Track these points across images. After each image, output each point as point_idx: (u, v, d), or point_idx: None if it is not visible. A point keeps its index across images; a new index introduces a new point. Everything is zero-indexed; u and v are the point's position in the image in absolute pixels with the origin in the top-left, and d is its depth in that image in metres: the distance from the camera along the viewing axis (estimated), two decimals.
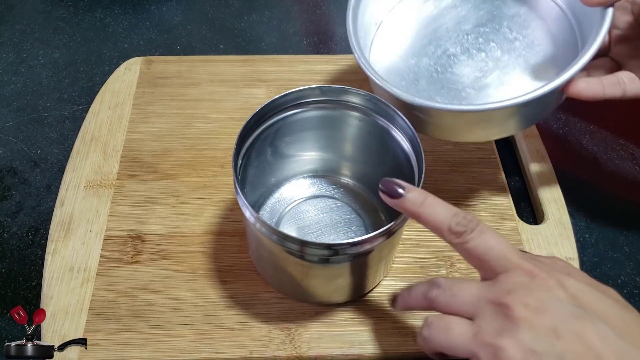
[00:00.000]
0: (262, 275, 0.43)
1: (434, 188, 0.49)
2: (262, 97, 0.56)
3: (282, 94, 0.40)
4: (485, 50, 0.45)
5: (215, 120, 0.54)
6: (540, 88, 0.36)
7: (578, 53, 0.38)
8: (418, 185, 0.36)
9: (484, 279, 0.32)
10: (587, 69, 0.42)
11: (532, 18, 0.45)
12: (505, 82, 0.43)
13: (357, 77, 0.57)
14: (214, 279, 0.44)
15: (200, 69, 0.58)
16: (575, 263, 0.45)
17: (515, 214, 0.48)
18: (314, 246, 0.34)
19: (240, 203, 0.36)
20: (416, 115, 0.40)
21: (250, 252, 0.44)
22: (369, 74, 0.41)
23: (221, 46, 0.64)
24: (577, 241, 0.46)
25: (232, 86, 0.57)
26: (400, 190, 0.33)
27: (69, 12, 0.67)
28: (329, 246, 0.34)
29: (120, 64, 0.58)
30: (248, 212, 0.35)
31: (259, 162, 0.43)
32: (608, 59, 0.41)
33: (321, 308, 0.42)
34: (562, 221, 0.47)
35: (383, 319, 0.42)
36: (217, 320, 0.41)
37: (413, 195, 0.32)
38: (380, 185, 0.33)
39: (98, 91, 0.56)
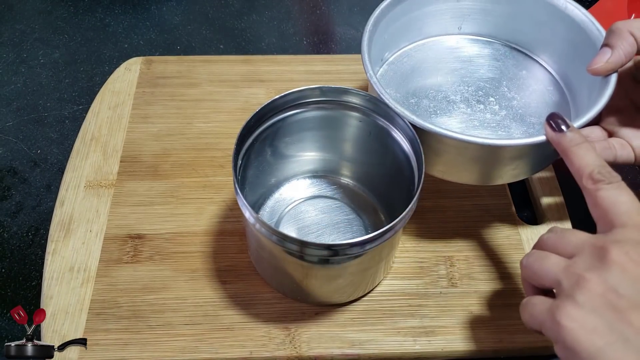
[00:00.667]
0: (262, 276, 0.43)
1: (434, 188, 0.49)
2: (262, 97, 0.56)
3: (282, 94, 0.40)
4: (484, 102, 0.46)
5: (215, 120, 0.54)
6: (536, 137, 0.37)
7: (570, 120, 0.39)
8: (418, 187, 0.36)
9: (600, 232, 0.32)
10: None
11: (529, 83, 0.48)
12: (501, 134, 0.44)
13: (357, 77, 0.57)
14: (214, 279, 0.44)
15: (200, 69, 0.58)
16: None
17: (515, 214, 0.48)
18: (314, 247, 0.34)
19: (240, 203, 0.36)
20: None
21: (250, 253, 0.44)
22: (387, 101, 0.40)
23: (221, 46, 0.64)
24: None
25: (232, 86, 0.57)
26: (563, 127, 0.35)
27: (69, 12, 0.67)
28: (328, 247, 0.34)
29: (120, 64, 0.58)
30: (248, 213, 0.35)
31: (259, 163, 0.43)
32: (599, 128, 0.42)
33: (321, 308, 0.42)
34: (562, 221, 0.47)
35: (383, 319, 0.42)
36: (217, 320, 0.41)
37: (572, 135, 0.34)
38: (547, 118, 0.36)
39: (98, 91, 0.56)
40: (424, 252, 0.45)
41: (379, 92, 0.40)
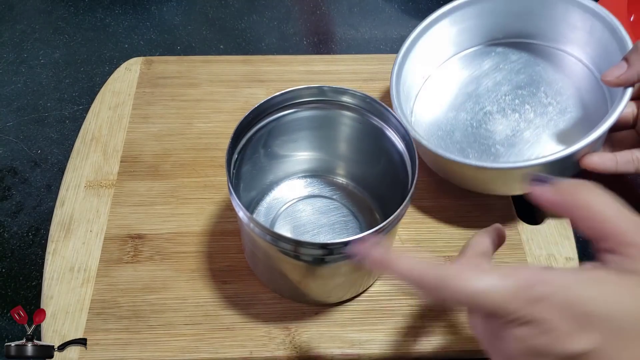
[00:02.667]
0: (258, 278, 0.43)
1: (435, 187, 0.49)
2: (262, 97, 0.55)
3: (275, 95, 0.40)
4: (519, 111, 0.48)
5: (215, 120, 0.54)
6: (548, 156, 0.39)
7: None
8: (412, 184, 0.36)
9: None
10: (612, 140, 0.44)
11: (568, 86, 0.48)
12: (534, 143, 0.46)
13: (357, 77, 0.57)
14: (214, 279, 0.44)
15: (201, 69, 0.58)
16: (575, 263, 0.45)
17: (516, 214, 0.48)
18: (309, 246, 0.34)
19: (234, 204, 0.36)
20: (444, 166, 0.45)
21: (245, 254, 0.44)
22: (404, 125, 0.42)
23: (221, 46, 0.64)
24: (577, 241, 0.46)
25: (232, 86, 0.57)
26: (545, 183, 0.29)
27: (69, 12, 0.67)
28: (323, 246, 0.34)
29: (121, 64, 0.58)
30: (242, 212, 0.35)
31: (254, 162, 0.43)
32: (633, 132, 0.43)
33: (321, 308, 0.42)
34: (562, 221, 0.47)
35: (383, 319, 0.42)
36: (217, 320, 0.41)
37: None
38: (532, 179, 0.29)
39: (98, 91, 0.56)
40: (424, 252, 0.45)
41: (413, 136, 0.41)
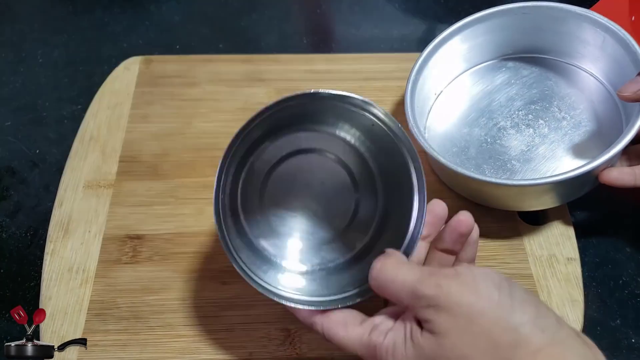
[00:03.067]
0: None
1: (434, 188, 0.49)
2: (262, 96, 0.55)
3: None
4: (533, 126, 0.48)
5: (215, 120, 0.54)
6: (564, 174, 0.39)
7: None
8: (421, 190, 0.36)
9: None
10: (628, 153, 0.44)
11: (581, 100, 0.48)
12: (549, 158, 0.46)
13: (358, 77, 0.57)
14: (214, 279, 0.43)
15: (200, 69, 0.58)
16: (577, 263, 0.45)
17: (517, 214, 0.48)
18: None
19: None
20: (461, 181, 0.45)
21: None
22: (421, 143, 0.44)
23: (221, 45, 0.63)
24: (579, 241, 0.46)
25: (232, 86, 0.56)
26: None
27: (68, 12, 0.67)
28: None
29: (119, 63, 0.58)
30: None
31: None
32: None
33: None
34: (563, 221, 0.47)
35: None
36: (216, 321, 0.41)
37: None
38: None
39: (97, 91, 0.56)
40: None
41: (428, 152, 0.43)
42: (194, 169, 0.50)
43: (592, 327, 0.43)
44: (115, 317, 0.41)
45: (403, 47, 0.62)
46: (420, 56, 0.49)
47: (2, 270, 0.46)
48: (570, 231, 0.46)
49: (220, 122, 0.53)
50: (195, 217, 0.47)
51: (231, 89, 0.56)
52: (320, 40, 0.65)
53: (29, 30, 0.65)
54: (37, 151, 0.53)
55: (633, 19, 0.58)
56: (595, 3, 0.56)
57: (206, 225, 0.46)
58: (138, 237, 0.46)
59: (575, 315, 0.42)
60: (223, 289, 0.43)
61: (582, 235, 0.48)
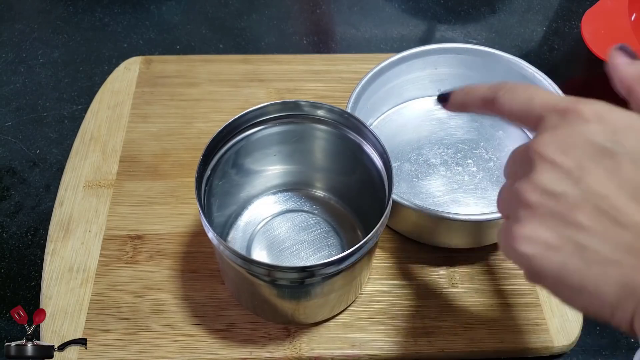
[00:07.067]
0: (240, 304, 0.42)
1: None
2: (262, 96, 0.55)
3: (249, 110, 0.39)
4: (462, 165, 0.48)
5: (215, 120, 0.54)
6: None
7: None
8: (388, 202, 0.35)
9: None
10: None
11: (506, 143, 0.50)
12: (480, 197, 0.47)
13: (358, 77, 0.57)
14: (214, 279, 0.43)
15: (200, 69, 0.58)
16: None
17: None
18: (286, 270, 0.34)
19: (203, 224, 0.35)
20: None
21: (222, 276, 0.43)
22: None
23: (221, 45, 0.63)
24: None
25: (231, 86, 0.56)
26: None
27: (68, 12, 0.67)
28: (302, 269, 0.33)
29: (120, 63, 0.58)
30: (211, 234, 0.34)
31: (227, 180, 0.42)
32: None
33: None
34: None
35: (383, 319, 0.42)
36: (216, 320, 0.41)
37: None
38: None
39: (97, 91, 0.56)
40: (424, 253, 0.45)
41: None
42: (194, 169, 0.50)
43: (592, 327, 0.43)
44: (116, 316, 0.41)
45: (403, 47, 0.62)
46: (354, 90, 0.47)
47: (2, 270, 0.46)
48: None
49: (220, 122, 0.53)
50: (195, 216, 0.47)
51: (231, 89, 0.56)
52: (320, 41, 0.65)
53: (29, 30, 0.65)
54: (38, 151, 0.53)
55: (633, 17, 0.58)
56: (595, 3, 0.56)
57: None
58: (138, 237, 0.46)
59: (575, 315, 0.42)
60: (223, 289, 0.43)
61: None
